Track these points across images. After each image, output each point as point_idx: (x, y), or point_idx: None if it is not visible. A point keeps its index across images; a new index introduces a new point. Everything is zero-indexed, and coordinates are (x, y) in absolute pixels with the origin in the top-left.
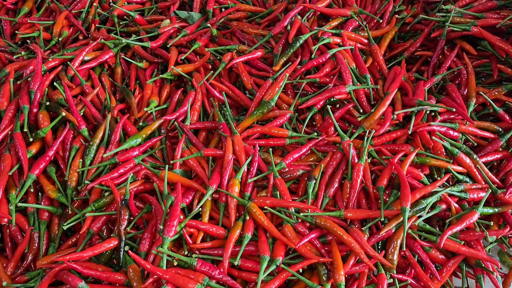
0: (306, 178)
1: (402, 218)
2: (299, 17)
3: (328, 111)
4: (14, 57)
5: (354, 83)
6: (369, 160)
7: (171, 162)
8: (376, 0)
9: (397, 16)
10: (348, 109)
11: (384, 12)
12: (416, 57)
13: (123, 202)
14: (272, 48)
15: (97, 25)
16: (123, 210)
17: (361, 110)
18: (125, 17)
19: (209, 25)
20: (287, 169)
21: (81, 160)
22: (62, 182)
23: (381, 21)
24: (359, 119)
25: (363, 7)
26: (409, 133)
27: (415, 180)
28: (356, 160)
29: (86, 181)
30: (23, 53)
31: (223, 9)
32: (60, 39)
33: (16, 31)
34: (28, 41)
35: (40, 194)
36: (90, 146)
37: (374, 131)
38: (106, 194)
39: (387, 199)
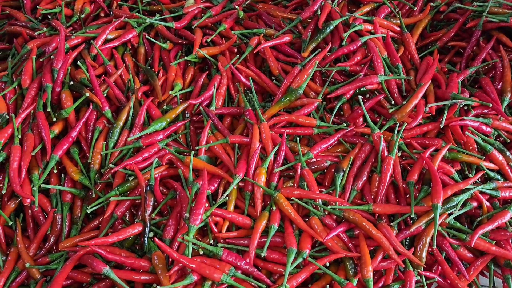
0: (333, 170)
1: (433, 215)
2: (329, 1)
3: (359, 102)
4: (36, 33)
5: (386, 73)
6: (399, 154)
7: (197, 148)
8: None
9: (431, 3)
10: (379, 100)
11: None
12: (449, 47)
13: (148, 187)
14: (300, 33)
15: (119, 2)
16: (148, 195)
17: (393, 102)
18: None
19: (236, 7)
20: (314, 160)
21: (104, 142)
22: (84, 164)
23: (414, 8)
24: (391, 111)
25: None
26: (441, 127)
27: (445, 176)
28: (386, 154)
29: (110, 165)
30: (45, 29)
31: None
32: (82, 15)
33: (37, 6)
34: (49, 16)
35: (63, 175)
36: (113, 128)
37: (405, 124)
38: (131, 178)
39: (417, 194)
